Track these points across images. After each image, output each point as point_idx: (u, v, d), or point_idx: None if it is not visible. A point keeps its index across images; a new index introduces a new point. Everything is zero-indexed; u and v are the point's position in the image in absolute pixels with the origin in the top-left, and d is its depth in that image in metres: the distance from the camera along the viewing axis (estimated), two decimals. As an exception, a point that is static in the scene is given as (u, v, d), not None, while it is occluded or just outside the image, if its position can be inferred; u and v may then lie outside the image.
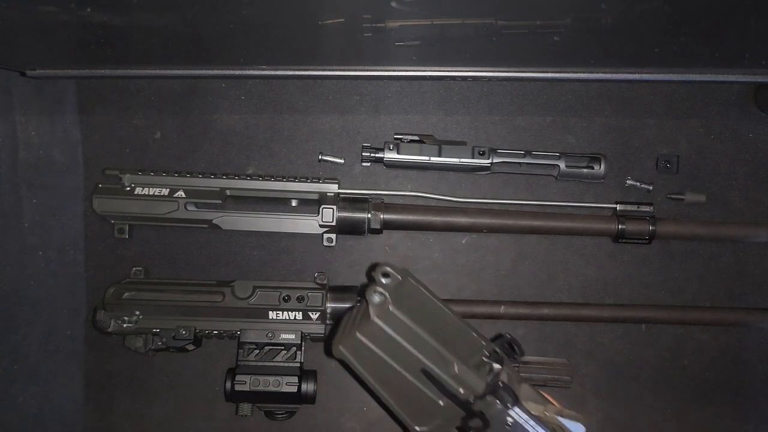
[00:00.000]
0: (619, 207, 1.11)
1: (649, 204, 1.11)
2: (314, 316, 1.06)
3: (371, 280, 0.78)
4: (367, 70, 1.01)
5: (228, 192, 1.10)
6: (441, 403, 0.81)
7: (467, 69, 1.00)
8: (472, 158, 1.10)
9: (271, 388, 1.02)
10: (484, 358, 0.81)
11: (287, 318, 1.06)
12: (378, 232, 1.09)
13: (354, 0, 0.82)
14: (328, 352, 0.94)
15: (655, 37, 0.89)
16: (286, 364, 1.05)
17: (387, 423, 1.11)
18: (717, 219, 1.16)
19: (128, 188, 1.08)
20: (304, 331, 1.06)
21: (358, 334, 0.78)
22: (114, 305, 1.05)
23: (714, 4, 0.79)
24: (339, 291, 1.08)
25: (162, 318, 1.05)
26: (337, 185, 1.10)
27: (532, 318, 1.12)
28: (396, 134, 1.12)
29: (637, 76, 1.00)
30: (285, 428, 1.13)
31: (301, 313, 1.06)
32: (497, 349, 0.84)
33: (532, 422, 0.81)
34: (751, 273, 1.17)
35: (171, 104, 1.17)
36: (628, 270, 1.16)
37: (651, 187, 1.15)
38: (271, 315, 1.06)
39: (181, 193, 1.08)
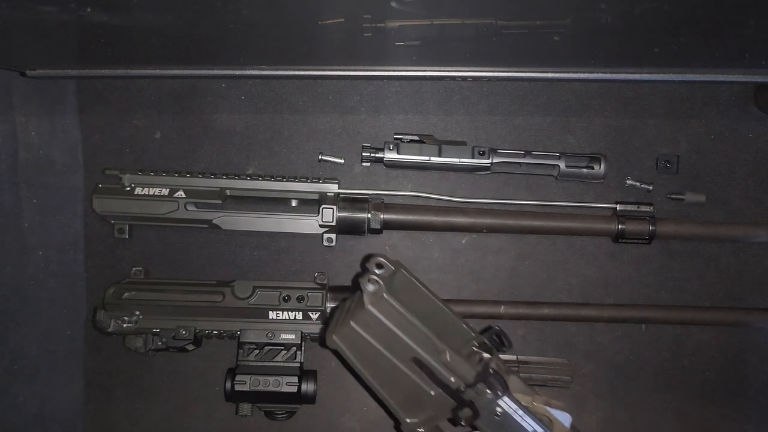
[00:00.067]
0: (619, 207, 1.11)
1: (649, 204, 1.11)
2: (314, 316, 1.06)
3: (365, 270, 0.80)
4: (367, 70, 1.01)
5: (228, 192, 1.10)
6: (432, 392, 0.83)
7: (467, 69, 1.00)
8: (472, 158, 1.10)
9: (271, 388, 1.02)
10: (474, 348, 0.83)
11: (287, 318, 1.06)
12: (378, 232, 1.09)
13: (354, 0, 0.82)
14: (323, 343, 0.95)
15: (655, 37, 0.89)
16: (286, 364, 1.05)
17: (387, 423, 1.10)
18: (717, 219, 1.16)
19: (128, 188, 1.08)
20: (304, 331, 1.06)
21: (352, 323, 0.80)
22: (114, 305, 1.05)
23: (714, 4, 0.79)
24: (339, 291, 1.08)
25: (162, 318, 1.05)
26: (337, 185, 1.10)
27: (532, 318, 1.12)
28: (396, 134, 1.12)
29: (637, 76, 1.00)
30: (285, 428, 1.13)
31: (301, 313, 1.06)
32: (486, 341, 0.85)
33: (521, 412, 0.83)
34: (751, 273, 1.17)
35: (171, 104, 1.17)
36: (628, 270, 1.16)
37: (651, 187, 1.15)
38: (271, 315, 1.06)
39: (181, 193, 1.08)
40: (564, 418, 0.86)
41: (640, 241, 1.11)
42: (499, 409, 0.83)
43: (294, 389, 1.03)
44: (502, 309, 1.10)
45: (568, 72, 0.99)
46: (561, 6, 0.82)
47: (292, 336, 1.06)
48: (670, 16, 0.81)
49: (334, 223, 1.08)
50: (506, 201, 1.13)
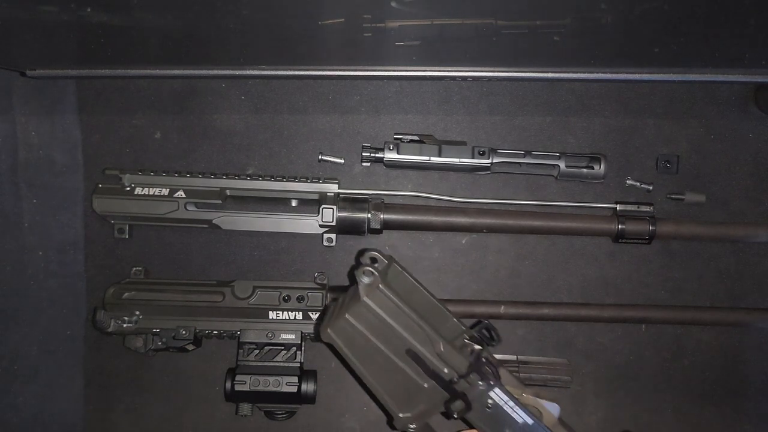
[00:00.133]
0: (619, 207, 1.11)
1: (649, 204, 1.11)
2: (314, 316, 1.06)
3: (360, 264, 0.81)
4: (367, 70, 1.01)
5: (228, 192, 1.10)
6: (425, 385, 0.84)
7: (467, 69, 1.00)
8: (472, 158, 1.10)
9: (271, 388, 1.02)
10: (465, 340, 0.86)
11: (287, 318, 1.06)
12: (378, 232, 1.09)
13: (354, 0, 0.82)
14: (318, 338, 0.96)
15: (655, 37, 0.89)
16: (286, 364, 1.05)
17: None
18: (717, 219, 1.16)
19: (128, 188, 1.08)
20: (304, 331, 1.06)
21: (347, 316, 0.81)
22: (114, 305, 1.05)
23: (714, 4, 0.79)
24: (339, 291, 1.08)
25: (162, 318, 1.05)
26: (337, 185, 1.10)
27: (532, 318, 1.12)
28: (396, 134, 1.12)
29: (637, 76, 1.00)
30: (285, 428, 1.13)
31: (301, 313, 1.06)
32: (476, 334, 0.87)
33: (511, 403, 0.85)
34: (751, 273, 1.17)
35: (171, 104, 1.17)
36: (628, 270, 1.16)
37: (651, 187, 1.15)
38: (271, 315, 1.06)
39: (181, 193, 1.08)
40: (553, 408, 0.89)
41: (640, 241, 1.11)
42: (490, 401, 0.84)
43: (294, 389, 1.03)
44: (502, 309, 1.10)
45: (568, 72, 0.99)
46: (561, 6, 0.82)
47: (292, 336, 1.06)
48: (670, 16, 0.81)
49: (334, 223, 1.08)
50: (506, 201, 1.13)
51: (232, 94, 1.17)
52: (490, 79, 1.13)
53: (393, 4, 0.79)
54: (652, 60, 0.97)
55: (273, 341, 1.05)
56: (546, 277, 1.16)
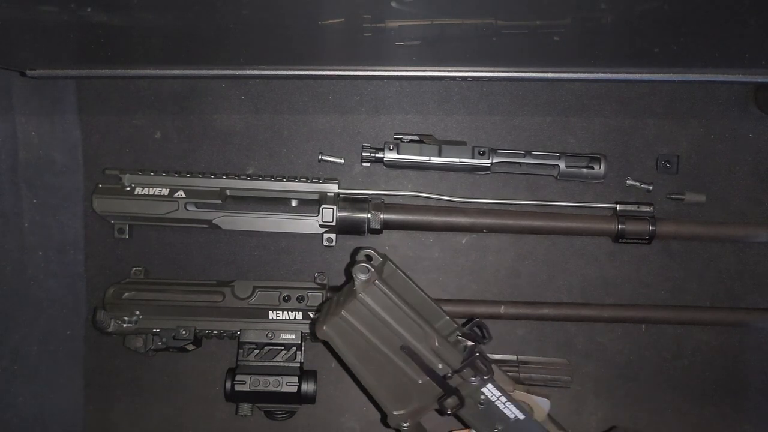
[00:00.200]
0: (619, 207, 1.11)
1: (649, 204, 1.11)
2: (314, 316, 1.06)
3: (355, 262, 0.83)
4: (367, 70, 1.01)
5: (228, 192, 1.10)
6: (419, 381, 0.85)
7: (467, 69, 1.00)
8: (472, 158, 1.10)
9: (271, 388, 1.02)
10: (458, 337, 0.87)
11: (287, 318, 1.06)
12: (378, 232, 1.09)
13: (354, 0, 0.82)
14: (314, 335, 0.96)
15: (655, 37, 0.89)
16: (286, 364, 1.05)
17: (387, 423, 1.11)
18: (717, 219, 1.16)
19: (128, 188, 1.08)
20: (304, 331, 1.06)
21: (343, 312, 0.82)
22: (114, 305, 1.05)
23: (714, 4, 0.79)
24: (338, 291, 1.08)
25: (162, 318, 1.05)
26: (337, 185, 1.10)
27: (532, 318, 1.12)
28: (396, 134, 1.12)
29: (637, 76, 1.00)
30: (285, 428, 1.13)
31: (301, 313, 1.06)
32: (468, 332, 0.89)
33: (503, 399, 0.86)
34: (751, 273, 1.17)
35: (171, 104, 1.17)
36: (628, 270, 1.16)
37: (651, 187, 1.15)
38: (271, 315, 1.06)
39: (181, 193, 1.08)
40: (544, 403, 0.91)
41: (640, 241, 1.11)
42: (482, 397, 0.86)
43: (294, 389, 1.03)
44: (502, 309, 1.10)
45: (568, 72, 0.99)
46: (561, 6, 0.82)
47: (292, 336, 1.06)
48: (670, 16, 0.81)
49: (334, 223, 1.08)
50: (506, 201, 1.13)
51: (232, 94, 1.17)
52: (490, 79, 1.13)
53: (393, 4, 0.79)
54: (652, 60, 0.97)
55: (273, 341, 1.05)
56: (546, 277, 1.16)
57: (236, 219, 1.09)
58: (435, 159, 1.10)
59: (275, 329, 1.06)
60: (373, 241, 1.15)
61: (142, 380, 1.15)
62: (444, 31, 0.88)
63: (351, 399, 1.15)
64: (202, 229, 1.12)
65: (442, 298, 1.12)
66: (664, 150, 1.17)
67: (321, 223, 1.08)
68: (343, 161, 1.15)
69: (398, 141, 1.11)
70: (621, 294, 1.16)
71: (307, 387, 1.04)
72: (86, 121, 1.16)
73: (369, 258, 0.85)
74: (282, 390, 1.03)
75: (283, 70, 1.00)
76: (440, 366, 0.84)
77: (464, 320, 0.96)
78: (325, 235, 1.10)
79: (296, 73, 1.01)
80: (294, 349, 1.05)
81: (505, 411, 0.87)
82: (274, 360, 1.05)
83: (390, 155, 1.10)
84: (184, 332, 1.04)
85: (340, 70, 1.00)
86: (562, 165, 1.11)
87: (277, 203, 1.11)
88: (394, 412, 0.87)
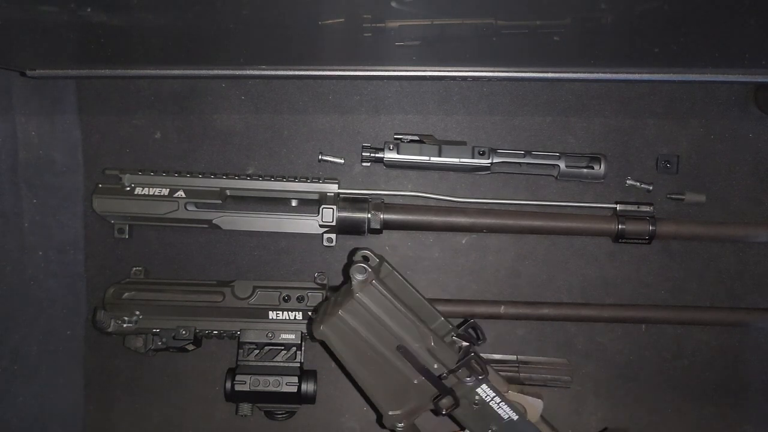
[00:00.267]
0: (619, 207, 1.11)
1: (649, 204, 1.11)
2: (312, 316, 1.06)
3: (353, 262, 0.83)
4: (367, 70, 1.01)
5: (228, 192, 1.10)
6: (415, 381, 0.86)
7: (467, 69, 1.00)
8: (472, 158, 1.10)
9: (271, 388, 1.02)
10: (453, 338, 0.89)
11: (287, 318, 1.06)
12: (378, 232, 1.09)
13: (354, 0, 0.82)
14: (311, 335, 0.97)
15: (655, 37, 0.89)
16: (286, 364, 1.05)
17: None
18: (717, 219, 1.16)
19: (128, 188, 1.08)
20: (304, 331, 1.06)
21: (341, 312, 0.83)
22: (114, 305, 1.05)
23: (714, 4, 0.79)
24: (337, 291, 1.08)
25: (162, 318, 1.05)
26: (337, 185, 1.10)
27: (532, 318, 1.12)
28: (396, 134, 1.12)
29: (637, 76, 1.00)
30: (285, 428, 1.13)
31: (301, 313, 1.06)
32: (462, 333, 0.90)
33: (497, 399, 0.87)
34: (751, 273, 1.17)
35: (171, 104, 1.17)
36: (628, 270, 1.16)
37: (651, 187, 1.15)
38: (271, 315, 1.06)
39: (181, 193, 1.08)
40: (537, 403, 0.92)
41: (640, 241, 1.11)
42: (477, 397, 0.87)
43: (294, 389, 1.03)
44: (502, 309, 1.10)
45: (568, 72, 0.99)
46: (561, 6, 0.82)
47: (292, 336, 1.06)
48: (670, 16, 0.81)
49: (334, 223, 1.08)
50: (506, 201, 1.13)
51: (232, 94, 1.17)
52: (490, 79, 1.13)
53: (393, 4, 0.79)
54: (652, 60, 0.97)
55: (273, 341, 1.05)
56: (546, 277, 1.16)
57: (236, 219, 1.09)
58: (435, 159, 1.10)
59: (275, 329, 1.06)
60: (373, 241, 1.15)
61: (142, 380, 1.15)
62: (444, 31, 0.88)
63: (351, 399, 1.15)
64: (202, 229, 1.12)
65: (442, 298, 1.12)
66: (664, 150, 1.17)
67: (321, 223, 1.08)
68: (343, 161, 1.15)
69: (398, 141, 1.11)
70: (621, 294, 1.16)
71: (307, 387, 1.04)
72: (86, 121, 1.16)
73: (366, 259, 0.86)
74: (282, 390, 1.03)
75: (283, 70, 1.00)
76: (436, 366, 0.85)
77: (462, 321, 0.96)
78: (325, 235, 1.10)
79: (296, 73, 1.01)
80: (294, 349, 1.05)
81: (499, 411, 0.88)
82: (274, 360, 1.05)
83: (390, 155, 1.10)
84: (184, 332, 1.04)
85: (340, 70, 1.00)
86: (562, 165, 1.11)
87: (277, 203, 1.11)
88: (390, 413, 0.88)
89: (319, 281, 1.09)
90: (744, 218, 1.17)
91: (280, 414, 1.07)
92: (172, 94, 1.17)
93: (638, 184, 1.15)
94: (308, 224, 1.09)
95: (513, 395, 0.91)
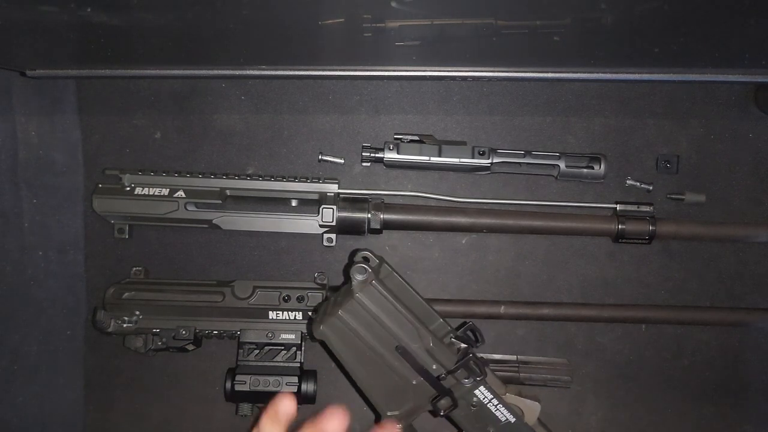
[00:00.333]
0: (619, 207, 1.11)
1: (649, 204, 1.11)
2: (311, 316, 1.06)
3: (353, 263, 0.83)
4: (367, 70, 1.01)
5: (228, 192, 1.10)
6: (413, 382, 0.86)
7: (467, 69, 1.00)
8: (472, 158, 1.10)
9: (271, 388, 1.02)
10: (452, 339, 0.89)
11: (287, 318, 1.06)
12: (378, 232, 1.09)
13: (354, 0, 0.82)
14: (311, 335, 0.97)
15: (655, 37, 0.89)
16: (286, 364, 1.05)
17: (387, 423, 1.11)
18: (717, 219, 1.16)
19: (128, 188, 1.08)
20: (304, 331, 1.06)
21: (340, 312, 0.83)
22: (114, 305, 1.05)
23: (714, 4, 0.79)
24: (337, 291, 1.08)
25: (162, 318, 1.05)
26: (337, 185, 1.10)
27: (532, 318, 1.12)
28: (396, 134, 1.12)
29: (637, 76, 1.00)
30: (285, 428, 1.13)
31: (301, 313, 1.06)
32: (461, 335, 0.90)
33: (495, 401, 0.87)
34: (751, 273, 1.17)
35: (171, 104, 1.17)
36: (628, 270, 1.16)
37: (651, 187, 1.15)
38: (271, 315, 1.06)
39: (181, 193, 1.08)
40: (534, 406, 0.92)
41: (640, 241, 1.11)
42: (475, 399, 0.87)
43: (294, 389, 1.03)
44: (502, 309, 1.10)
45: (568, 72, 0.99)
46: (561, 6, 0.82)
47: (292, 336, 1.06)
48: (670, 16, 0.81)
49: (334, 223, 1.08)
50: (506, 201, 1.13)
51: (232, 94, 1.17)
52: (490, 79, 1.13)
53: (393, 4, 0.79)
54: (652, 60, 0.97)
55: (273, 341, 1.05)
56: (546, 277, 1.16)
57: (236, 219, 1.09)
58: (435, 159, 1.10)
59: (275, 329, 1.06)
60: (373, 241, 1.15)
61: (142, 380, 1.15)
62: (444, 31, 0.88)
63: (351, 399, 1.15)
64: (202, 229, 1.12)
65: (442, 298, 1.12)
66: (664, 150, 1.17)
67: (321, 223, 1.08)
68: (343, 161, 1.15)
69: (398, 141, 1.11)
70: (621, 294, 1.16)
71: (307, 387, 1.04)
72: (86, 121, 1.16)
73: (366, 259, 0.86)
74: (282, 390, 1.03)
75: (283, 70, 1.00)
76: (434, 366, 0.85)
77: (462, 321, 0.96)
78: (325, 235, 1.10)
79: (296, 73, 1.01)
80: (294, 349, 1.05)
81: (497, 413, 0.88)
82: (274, 360, 1.05)
83: (390, 155, 1.10)
84: (184, 332, 1.04)
85: (340, 70, 1.00)
86: (562, 165, 1.11)
87: (277, 203, 1.11)
88: (389, 413, 0.88)
89: (319, 281, 1.09)
90: (744, 218, 1.17)
91: (280, 414, 1.07)
92: (172, 94, 1.17)
93: (638, 184, 1.15)
94: (308, 224, 1.09)
95: (510, 397, 0.91)
